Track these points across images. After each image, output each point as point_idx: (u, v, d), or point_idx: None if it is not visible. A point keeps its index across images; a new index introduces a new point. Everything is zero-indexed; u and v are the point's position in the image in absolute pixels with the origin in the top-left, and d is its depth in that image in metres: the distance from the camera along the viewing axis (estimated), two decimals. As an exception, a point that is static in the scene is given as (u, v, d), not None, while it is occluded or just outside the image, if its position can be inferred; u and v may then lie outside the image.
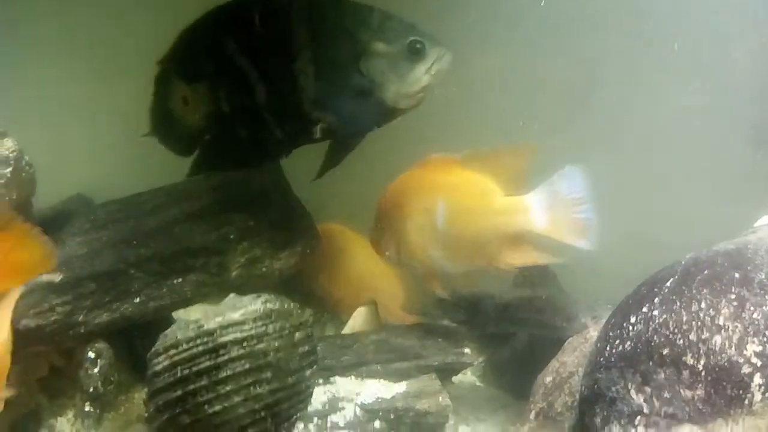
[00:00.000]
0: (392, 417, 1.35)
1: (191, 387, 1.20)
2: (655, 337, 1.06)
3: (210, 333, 1.21)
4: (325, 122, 1.50)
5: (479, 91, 1.89)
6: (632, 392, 1.06)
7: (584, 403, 1.14)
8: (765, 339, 0.97)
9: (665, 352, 1.05)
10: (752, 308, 1.00)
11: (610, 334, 1.13)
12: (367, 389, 1.40)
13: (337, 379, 1.41)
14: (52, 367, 1.50)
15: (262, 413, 1.22)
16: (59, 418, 1.47)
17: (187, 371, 1.21)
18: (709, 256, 1.12)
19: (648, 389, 1.05)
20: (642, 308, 1.11)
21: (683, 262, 1.14)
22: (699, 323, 1.03)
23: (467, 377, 1.78)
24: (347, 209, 1.89)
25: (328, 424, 1.34)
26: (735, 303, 1.02)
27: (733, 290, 1.03)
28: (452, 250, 1.52)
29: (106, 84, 1.85)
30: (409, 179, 1.60)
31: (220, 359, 1.20)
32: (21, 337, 1.38)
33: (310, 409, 1.33)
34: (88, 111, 1.92)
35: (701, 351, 1.02)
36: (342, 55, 1.48)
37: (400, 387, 1.41)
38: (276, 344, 1.23)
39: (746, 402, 0.98)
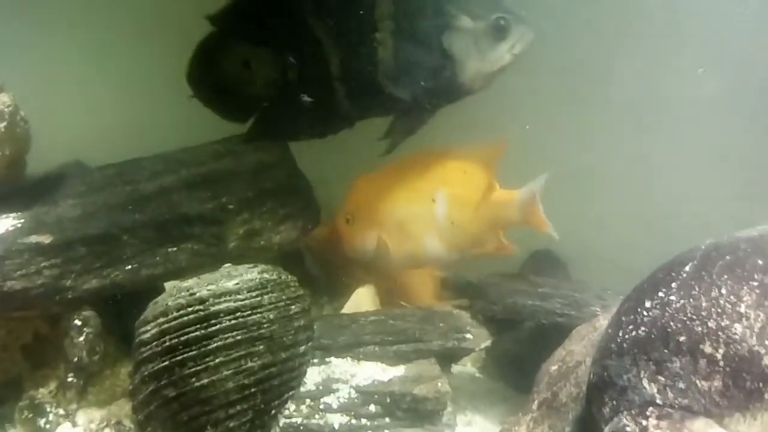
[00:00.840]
0: (388, 401, 1.29)
1: (179, 357, 1.15)
2: (671, 323, 1.01)
3: (202, 301, 1.16)
4: (398, 96, 1.45)
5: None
6: (645, 381, 1.00)
7: (592, 390, 1.08)
8: (790, 328, 0.92)
9: (682, 339, 0.99)
10: (776, 296, 0.94)
11: (623, 319, 1.07)
12: (363, 371, 1.33)
13: (333, 359, 1.35)
14: (36, 334, 1.44)
15: (252, 389, 1.16)
16: (41, 389, 1.41)
17: (175, 340, 1.15)
18: (731, 242, 1.06)
19: (662, 378, 0.99)
20: (658, 293, 1.05)
21: (703, 247, 1.08)
22: (719, 310, 0.98)
23: (466, 368, 1.72)
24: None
25: (321, 406, 1.28)
26: (758, 290, 0.96)
27: (756, 277, 0.97)
28: (450, 239, 1.56)
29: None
30: (396, 171, 1.60)
31: (211, 329, 1.15)
32: (5, 300, 1.34)
33: (302, 389, 1.27)
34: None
35: (720, 340, 0.96)
36: (425, 28, 1.42)
37: (398, 370, 1.34)
38: (270, 316, 1.18)
39: (766, 396, 0.92)
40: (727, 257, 1.04)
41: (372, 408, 1.30)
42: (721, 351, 0.96)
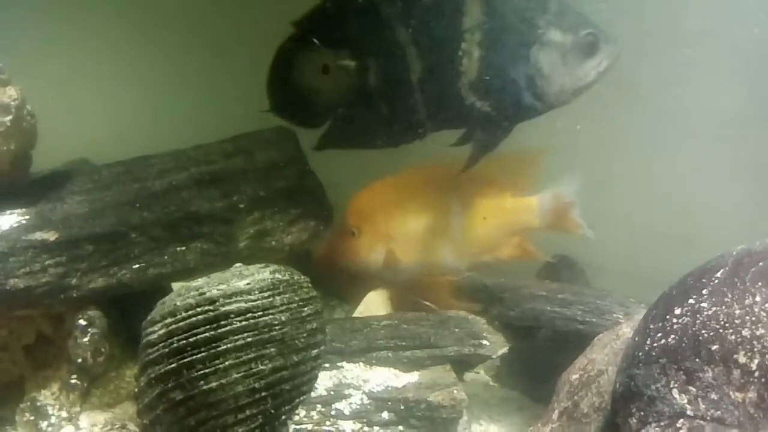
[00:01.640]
0: (402, 408, 1.25)
1: (187, 359, 1.10)
2: (703, 332, 0.96)
3: (212, 301, 1.12)
4: (480, 108, 1.42)
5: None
6: (675, 391, 0.96)
7: (618, 401, 1.03)
8: (830, 337, 0.87)
9: (714, 348, 0.94)
10: (815, 303, 0.90)
11: (651, 326, 1.03)
12: (376, 377, 1.29)
13: (345, 364, 1.31)
14: (39, 334, 1.40)
15: (262, 393, 1.11)
16: (43, 391, 1.37)
17: (183, 342, 1.11)
18: (764, 248, 1.02)
19: (693, 389, 0.95)
20: (688, 299, 1.00)
21: (734, 253, 1.04)
22: (753, 318, 0.93)
23: (480, 376, 1.68)
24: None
25: (332, 412, 1.24)
26: (794, 298, 0.92)
27: (791, 284, 0.93)
28: (461, 248, 1.57)
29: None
30: (399, 182, 1.61)
31: (221, 330, 1.10)
32: (8, 299, 1.30)
33: (313, 394, 1.23)
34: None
35: (755, 349, 0.92)
36: (514, 40, 1.39)
37: (412, 377, 1.30)
38: (282, 318, 1.13)
39: (804, 409, 0.88)
40: (761, 263, 0.99)
41: (385, 415, 1.25)
42: (756, 361, 0.92)
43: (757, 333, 0.92)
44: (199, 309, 1.11)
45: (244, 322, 1.11)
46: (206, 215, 1.39)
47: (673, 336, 0.99)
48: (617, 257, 1.75)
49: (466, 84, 1.40)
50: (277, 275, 1.17)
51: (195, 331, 1.11)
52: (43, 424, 1.32)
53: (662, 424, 0.96)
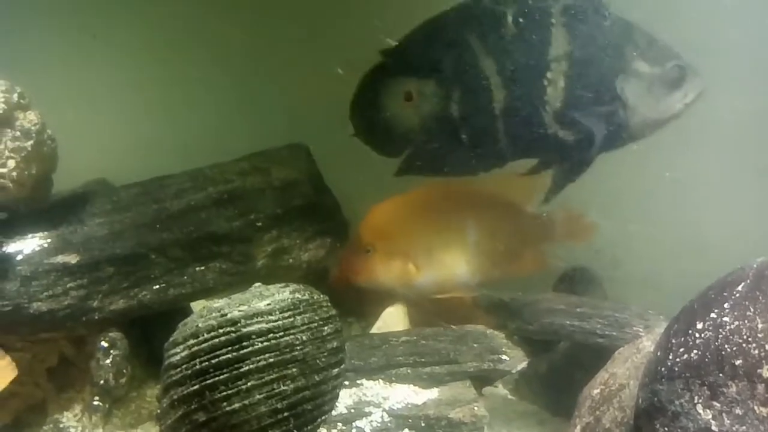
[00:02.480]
0: (423, 425, 1.25)
1: (210, 381, 1.10)
2: (726, 346, 0.96)
3: (233, 322, 1.12)
4: (563, 137, 1.42)
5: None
6: (699, 407, 0.96)
7: (642, 417, 1.03)
8: None
9: (738, 362, 0.94)
10: (840, 316, 0.90)
11: (673, 341, 1.03)
12: (396, 394, 1.29)
13: (364, 381, 1.31)
14: (62, 357, 1.42)
15: (285, 413, 1.11)
16: (65, 413, 1.38)
17: (206, 363, 1.11)
18: (785, 260, 1.02)
19: (717, 404, 0.94)
20: (710, 313, 1.00)
21: (755, 265, 1.03)
22: (777, 332, 0.93)
23: (498, 389, 1.67)
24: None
25: (353, 430, 1.24)
26: (818, 311, 0.92)
27: (815, 297, 0.93)
28: (480, 262, 1.59)
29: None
30: (411, 199, 1.62)
31: (243, 351, 1.11)
32: (31, 322, 1.31)
33: (334, 412, 1.23)
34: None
35: (779, 363, 0.92)
36: (600, 70, 1.39)
37: (432, 393, 1.30)
38: (303, 338, 1.14)
39: (829, 423, 0.87)
40: (783, 276, 0.99)
41: (406, 432, 1.26)
42: (780, 375, 0.91)
43: (781, 347, 0.92)
44: (221, 330, 1.12)
45: (265, 343, 1.11)
46: (224, 234, 1.41)
47: (695, 351, 0.99)
48: (635, 266, 1.75)
49: (549, 113, 1.40)
50: (297, 295, 1.18)
51: (217, 352, 1.11)
52: (67, 446, 1.34)
53: (687, 439, 0.96)
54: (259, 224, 1.42)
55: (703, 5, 1.67)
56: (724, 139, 1.73)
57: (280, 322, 1.13)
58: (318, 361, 1.15)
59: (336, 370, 1.20)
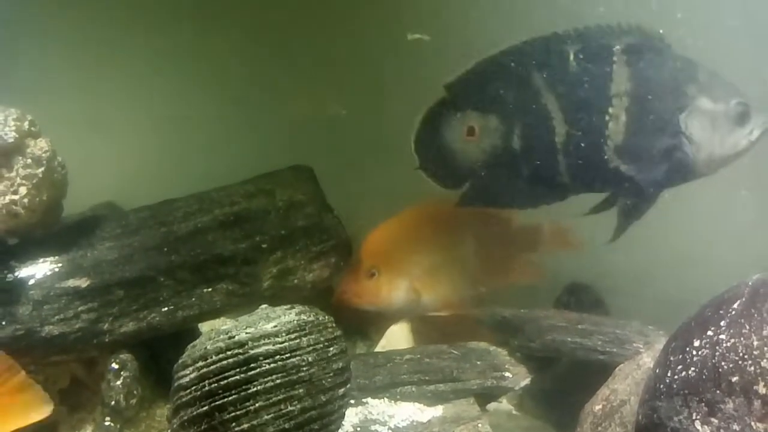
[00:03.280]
0: (428, 442, 1.27)
1: (219, 402, 1.13)
2: (722, 363, 0.98)
3: (241, 344, 1.15)
4: (625, 173, 1.45)
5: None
6: (697, 423, 0.98)
7: (642, 433, 1.05)
8: None
9: (734, 379, 0.96)
10: (833, 333, 0.92)
11: (671, 358, 1.05)
12: (400, 412, 1.31)
13: (370, 400, 1.33)
14: (73, 378, 1.45)
15: (292, 433, 1.15)
16: (78, 433, 1.41)
17: (215, 385, 1.14)
18: (779, 278, 1.04)
19: (715, 420, 0.97)
20: (707, 331, 1.03)
21: (750, 283, 1.06)
22: (772, 349, 0.95)
23: (503, 405, 1.69)
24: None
25: (360, 448, 1.26)
26: (812, 328, 0.94)
27: (809, 314, 0.95)
28: (479, 275, 1.65)
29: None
30: (406, 220, 1.67)
31: (251, 373, 1.13)
32: (43, 345, 1.34)
33: (340, 431, 1.25)
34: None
35: (775, 380, 0.94)
36: (662, 106, 1.42)
37: (436, 411, 1.32)
38: (309, 359, 1.16)
39: (825, 438, 0.89)
40: (777, 293, 1.02)
41: (411, 450, 1.27)
42: (776, 391, 0.93)
43: (776, 364, 0.94)
44: (229, 352, 1.15)
45: (273, 365, 1.14)
46: (230, 256, 1.44)
47: (693, 368, 1.01)
48: (633, 279, 1.77)
49: (611, 148, 1.43)
50: (303, 316, 1.20)
51: (226, 374, 1.14)
52: (79, 466, 1.37)
53: (686, 456, 0.98)
54: (264, 246, 1.45)
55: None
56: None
57: (286, 344, 1.16)
58: (324, 381, 1.18)
59: (342, 390, 1.22)
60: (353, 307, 1.63)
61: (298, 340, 1.17)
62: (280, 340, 1.16)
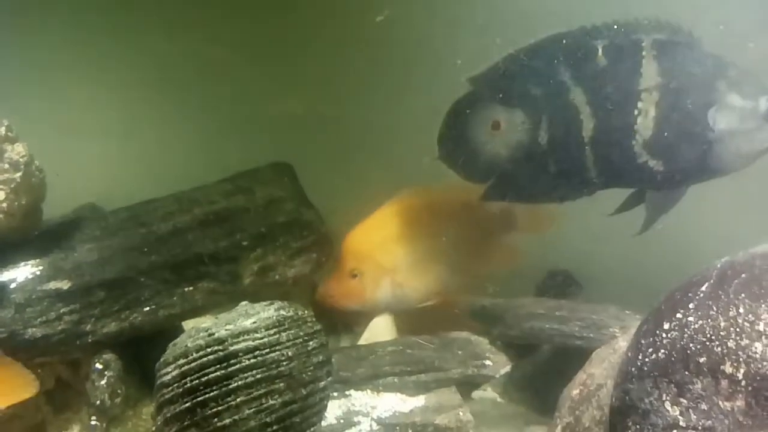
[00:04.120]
0: (410, 432, 1.29)
1: (201, 398, 1.14)
2: (690, 345, 1.00)
3: (221, 341, 1.16)
4: (653, 168, 1.44)
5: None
6: (667, 404, 1.00)
7: (615, 415, 1.07)
8: (812, 345, 0.91)
9: (702, 360, 0.98)
10: (796, 312, 0.94)
11: (642, 342, 1.07)
12: (383, 403, 1.33)
13: (352, 392, 1.35)
14: (58, 379, 1.46)
15: (274, 427, 1.15)
16: (64, 433, 1.42)
17: (196, 381, 1.15)
18: (746, 259, 1.06)
19: (684, 400, 0.99)
20: (676, 314, 1.04)
21: (719, 266, 1.08)
22: (738, 329, 0.97)
23: (487, 393, 1.71)
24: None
25: (343, 440, 1.28)
26: (776, 308, 0.96)
27: (774, 294, 0.97)
28: (461, 264, 1.65)
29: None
30: (382, 217, 1.67)
31: (231, 369, 1.15)
32: (27, 348, 1.35)
33: (323, 423, 1.27)
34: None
35: (741, 359, 0.95)
36: (692, 102, 1.42)
37: (418, 401, 1.35)
38: (289, 353, 1.18)
39: (791, 414, 0.91)
40: (743, 275, 1.03)
41: (394, 440, 1.29)
42: (741, 370, 0.95)
43: (742, 344, 0.96)
44: (209, 349, 1.16)
45: (252, 360, 1.15)
46: (211, 255, 1.45)
47: (663, 350, 1.03)
48: (615, 266, 1.79)
49: (639, 142, 1.42)
50: (282, 312, 1.22)
51: (206, 370, 1.15)
52: (66, 466, 1.38)
53: (657, 436, 1.00)
54: (245, 243, 1.47)
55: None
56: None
57: (265, 339, 1.18)
58: (304, 375, 1.19)
59: (323, 383, 1.24)
60: (337, 309, 1.64)
61: (277, 336, 1.19)
62: (259, 335, 1.18)
